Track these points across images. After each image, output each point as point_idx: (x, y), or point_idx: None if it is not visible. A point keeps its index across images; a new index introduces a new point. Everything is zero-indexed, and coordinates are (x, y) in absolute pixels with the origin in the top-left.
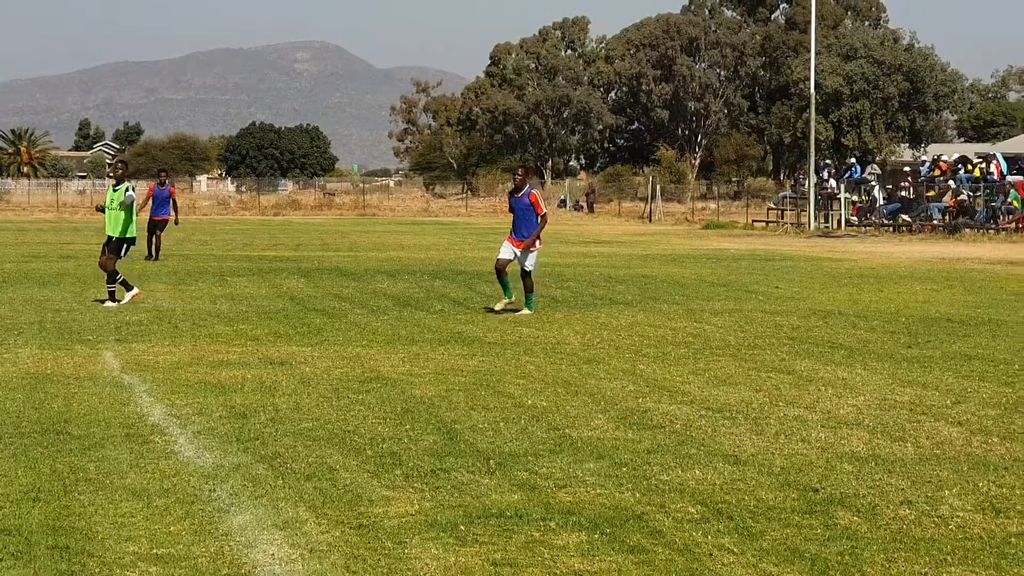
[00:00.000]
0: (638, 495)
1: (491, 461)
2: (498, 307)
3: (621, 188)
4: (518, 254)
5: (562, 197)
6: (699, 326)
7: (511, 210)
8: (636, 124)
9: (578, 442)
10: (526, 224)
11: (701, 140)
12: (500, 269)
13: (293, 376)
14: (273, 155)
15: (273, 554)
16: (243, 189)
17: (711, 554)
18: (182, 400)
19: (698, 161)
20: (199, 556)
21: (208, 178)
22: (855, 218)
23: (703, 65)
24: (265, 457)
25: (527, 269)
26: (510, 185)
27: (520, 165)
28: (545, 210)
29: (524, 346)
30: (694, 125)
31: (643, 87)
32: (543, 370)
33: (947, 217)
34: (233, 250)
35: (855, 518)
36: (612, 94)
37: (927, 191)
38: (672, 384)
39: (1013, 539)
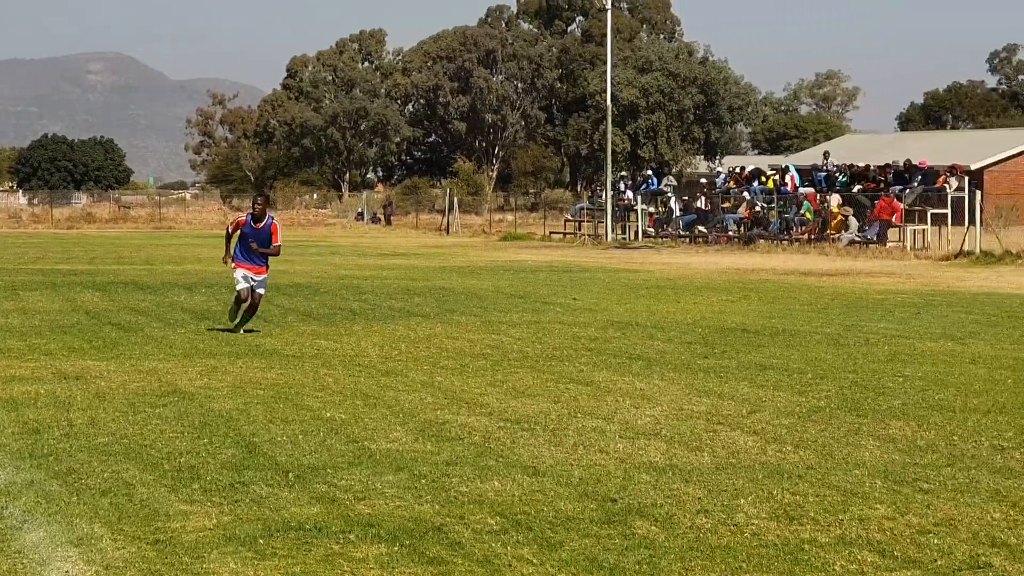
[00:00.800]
0: (437, 507)
1: (290, 474)
2: (241, 328)
3: (419, 200)
4: (255, 281)
5: (359, 210)
6: (497, 338)
7: (242, 236)
8: (433, 136)
9: (377, 454)
10: (262, 253)
11: (498, 152)
12: (242, 299)
13: (88, 391)
14: (66, 167)
15: (67, 571)
16: (36, 202)
17: (511, 565)
18: None
19: (495, 173)
20: None
21: None
22: (652, 229)
23: (500, 77)
24: (59, 473)
25: (260, 293)
26: (308, 198)
27: (260, 194)
28: (280, 242)
29: (322, 359)
30: (491, 137)
31: (440, 99)
32: (341, 382)
33: (742, 228)
34: (25, 263)
35: (653, 527)
36: (409, 106)
37: (722, 202)
38: (470, 396)
39: (806, 545)
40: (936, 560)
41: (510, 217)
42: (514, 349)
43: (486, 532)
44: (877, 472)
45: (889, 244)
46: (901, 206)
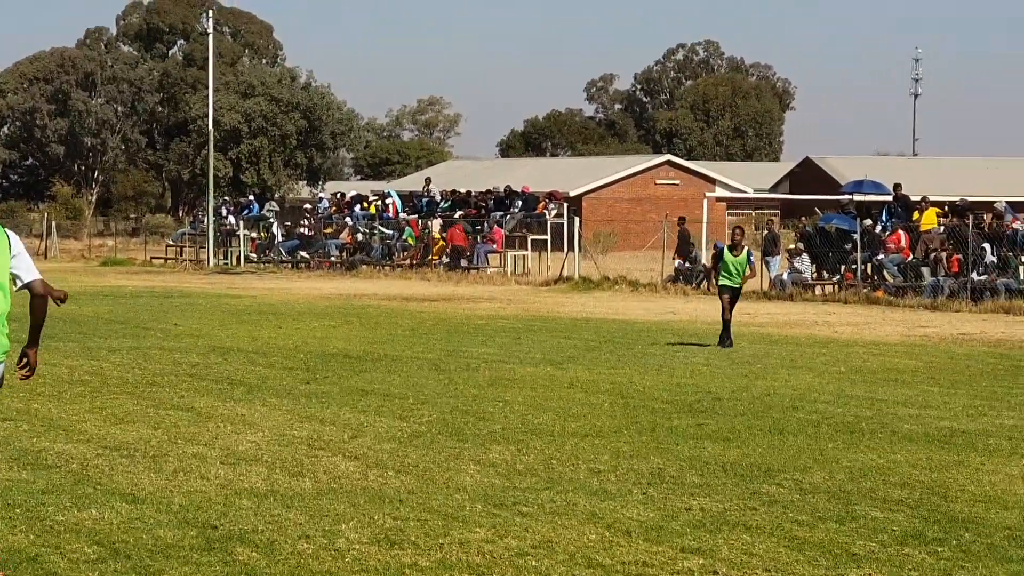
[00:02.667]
0: (32, 536)
1: None
2: None
3: (16, 224)
4: None
5: None
6: (96, 364)
7: None
8: (31, 159)
9: None
10: None
11: (98, 176)
12: None
13: None
14: None
15: None
16: None
17: None
18: None
19: (95, 197)
20: None
21: None
22: (254, 255)
23: (100, 100)
24: None
25: None
26: None
27: None
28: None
29: None
30: (91, 161)
31: (37, 122)
32: None
33: (344, 254)
34: None
35: (254, 553)
36: (5, 128)
37: (325, 228)
38: (68, 423)
39: (407, 570)
40: None
41: (110, 242)
42: (114, 375)
43: (83, 561)
44: (477, 496)
45: (491, 270)
46: (502, 232)
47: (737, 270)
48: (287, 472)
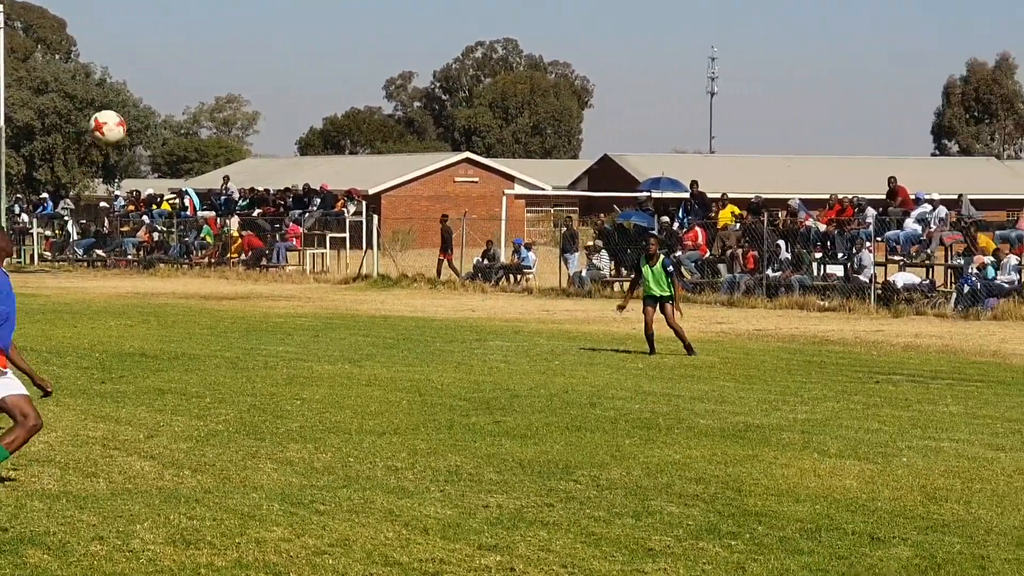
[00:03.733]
0: None
1: None
2: None
3: None
4: None
5: None
6: None
7: None
8: None
9: None
10: None
11: None
12: None
13: None
14: None
15: None
16: None
17: None
18: None
19: None
20: None
21: None
22: (48, 253)
23: None
24: None
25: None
26: None
27: None
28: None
29: None
30: None
31: None
32: None
33: (142, 252)
34: None
35: (46, 555)
36: None
37: (122, 226)
38: None
39: (203, 570)
40: None
41: None
42: None
43: None
44: (275, 495)
45: (289, 268)
46: (300, 229)
47: (657, 280)
48: (81, 473)
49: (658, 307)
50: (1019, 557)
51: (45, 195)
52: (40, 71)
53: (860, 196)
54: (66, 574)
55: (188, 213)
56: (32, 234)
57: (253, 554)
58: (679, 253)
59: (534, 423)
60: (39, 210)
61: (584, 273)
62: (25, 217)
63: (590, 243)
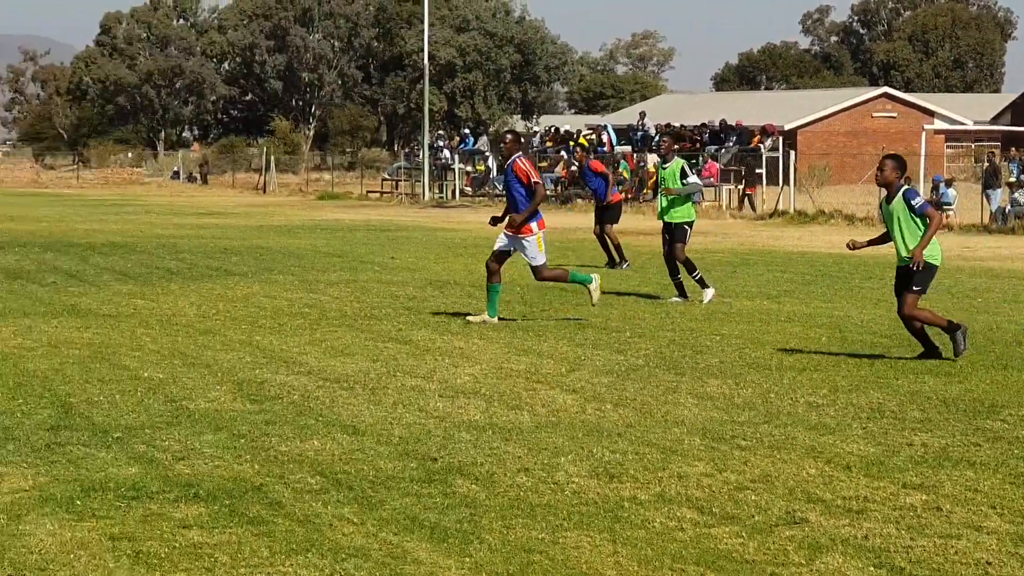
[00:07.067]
0: (257, 466)
1: (107, 434)
2: (474, 319)
3: (235, 159)
4: (509, 241)
5: (175, 169)
6: (315, 297)
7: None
8: (250, 95)
9: (195, 414)
10: (513, 202)
11: (315, 111)
12: (491, 266)
13: None
14: None
15: None
16: None
17: (331, 524)
18: None
19: (312, 132)
20: None
21: None
22: (469, 188)
23: (317, 36)
24: None
25: (531, 264)
26: (124, 157)
27: (508, 131)
28: (537, 179)
29: (139, 318)
30: (308, 96)
31: (256, 58)
32: (159, 342)
33: (559, 188)
34: None
35: (473, 486)
36: (225, 64)
37: (540, 162)
38: (289, 355)
39: (626, 503)
40: (753, 516)
41: (327, 176)
42: (333, 308)
43: (306, 491)
44: (695, 430)
45: (705, 203)
46: (717, 166)
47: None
48: (505, 405)
49: None
50: None
51: (466, 131)
52: (462, 9)
53: None
54: (494, 504)
55: (605, 149)
56: (453, 169)
57: (675, 488)
58: None
59: (957, 361)
60: (460, 146)
61: (1008, 209)
62: (447, 153)
63: (1012, 179)
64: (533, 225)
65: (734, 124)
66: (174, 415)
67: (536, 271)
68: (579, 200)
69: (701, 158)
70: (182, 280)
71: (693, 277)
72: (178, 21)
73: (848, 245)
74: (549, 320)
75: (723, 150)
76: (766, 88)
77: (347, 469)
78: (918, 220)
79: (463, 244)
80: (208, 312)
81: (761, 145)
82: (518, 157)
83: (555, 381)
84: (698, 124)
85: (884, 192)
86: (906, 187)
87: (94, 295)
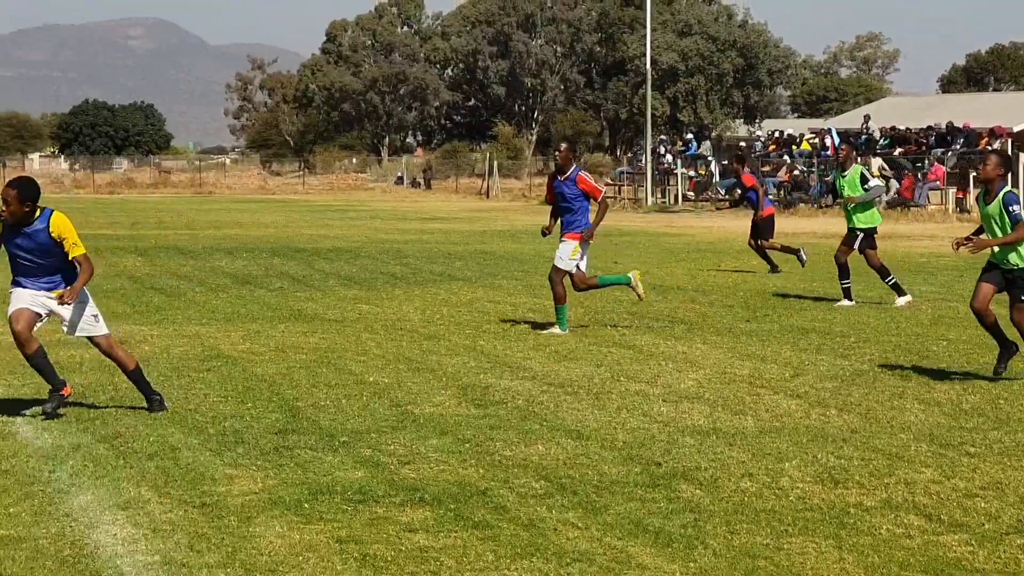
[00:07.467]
0: (482, 471)
1: (334, 438)
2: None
3: (458, 165)
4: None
5: (399, 174)
6: (539, 302)
7: (553, 197)
8: (473, 101)
9: (420, 419)
10: (574, 213)
11: (538, 116)
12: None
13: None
14: (107, 133)
15: (115, 534)
16: (77, 167)
17: (556, 528)
18: (19, 380)
19: (535, 137)
20: (40, 538)
21: (41, 156)
22: (691, 193)
23: (539, 41)
24: (106, 437)
25: (556, 265)
26: (349, 163)
27: (564, 139)
28: (603, 190)
29: (364, 323)
30: (531, 101)
31: (479, 64)
32: (384, 347)
33: (782, 192)
34: None
35: (697, 491)
36: (449, 71)
37: (763, 166)
38: (513, 360)
39: (851, 509)
40: (983, 524)
41: None
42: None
43: (531, 496)
44: (922, 435)
45: (931, 207)
46: (943, 169)
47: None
48: (729, 410)
49: None
50: None
51: (689, 136)
52: (684, 14)
53: None
54: (718, 509)
55: (829, 153)
56: (676, 174)
57: (902, 495)
58: None
59: None
60: (683, 151)
61: None
62: (670, 158)
63: None
64: (577, 232)
65: (961, 126)
66: (399, 419)
67: (574, 282)
68: (801, 204)
69: (927, 161)
70: (406, 285)
71: (887, 283)
72: (402, 28)
73: (953, 245)
74: (772, 324)
75: (949, 152)
76: (994, 89)
77: (571, 474)
78: (1011, 225)
79: (686, 249)
80: (432, 317)
81: (989, 147)
82: (580, 170)
83: (779, 386)
84: (924, 127)
85: (982, 188)
86: (1008, 189)
87: (320, 300)
